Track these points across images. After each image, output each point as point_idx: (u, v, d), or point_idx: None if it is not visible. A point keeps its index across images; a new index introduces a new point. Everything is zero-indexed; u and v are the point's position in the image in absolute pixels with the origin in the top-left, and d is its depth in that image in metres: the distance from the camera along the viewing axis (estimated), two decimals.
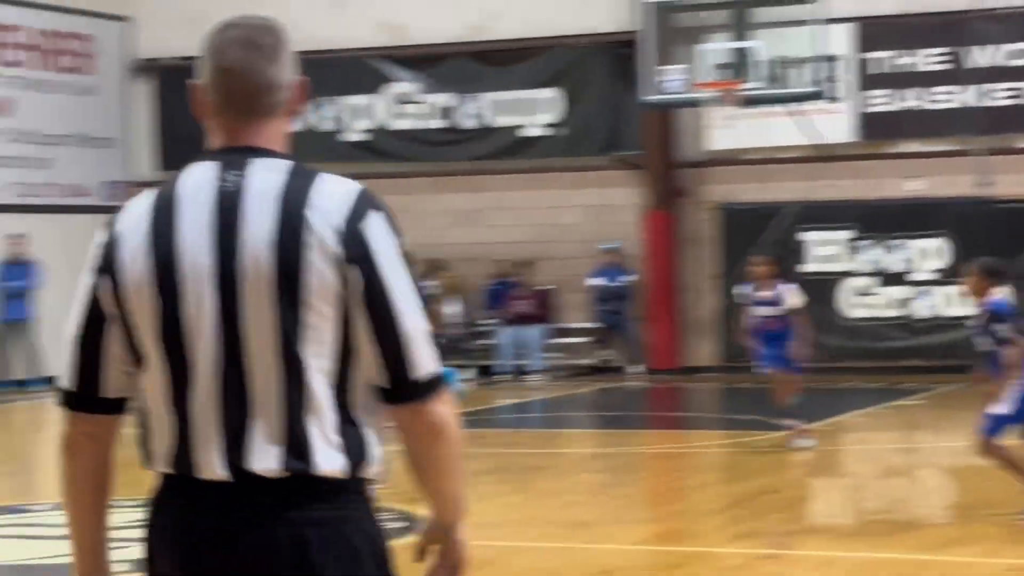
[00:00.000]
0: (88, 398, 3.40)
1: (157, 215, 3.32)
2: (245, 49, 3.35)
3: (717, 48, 22.17)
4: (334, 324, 3.26)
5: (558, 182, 24.99)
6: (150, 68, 26.33)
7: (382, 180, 25.42)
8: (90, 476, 3.45)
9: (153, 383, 3.34)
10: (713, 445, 16.78)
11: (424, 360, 3.30)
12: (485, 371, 24.63)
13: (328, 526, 3.28)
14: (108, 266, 3.34)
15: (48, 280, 22.86)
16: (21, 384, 23.08)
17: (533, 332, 24.57)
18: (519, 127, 25.09)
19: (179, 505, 3.33)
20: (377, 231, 3.28)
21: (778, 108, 22.79)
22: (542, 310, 24.73)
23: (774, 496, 13.09)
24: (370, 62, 25.49)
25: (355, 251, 3.25)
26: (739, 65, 21.84)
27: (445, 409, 3.35)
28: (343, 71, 25.36)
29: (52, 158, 24.89)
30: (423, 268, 25.02)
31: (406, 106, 25.49)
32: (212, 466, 3.27)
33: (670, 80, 22.39)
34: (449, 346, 24.57)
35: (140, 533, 3.40)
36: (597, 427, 20.21)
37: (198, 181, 3.32)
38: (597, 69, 24.66)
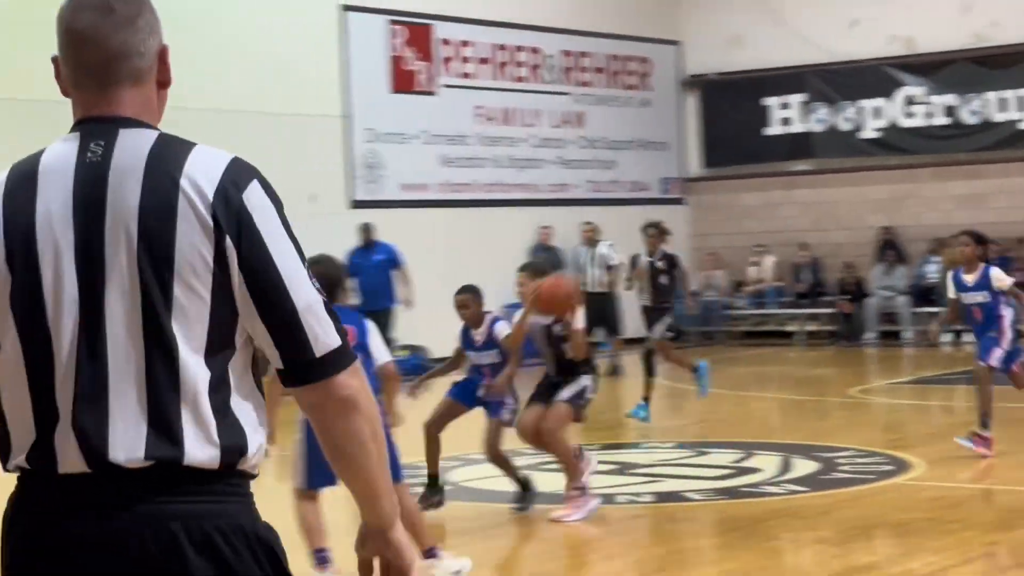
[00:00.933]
0: None
1: (13, 189, 2.65)
2: (97, 14, 2.65)
3: None
4: (209, 302, 2.57)
5: None
6: (696, 83, 26.80)
7: (894, 171, 25.23)
8: None
9: (9, 370, 2.64)
10: None
11: (322, 334, 2.59)
12: None
13: (200, 519, 2.56)
14: None
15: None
16: None
17: None
18: (1017, 121, 24.30)
19: (38, 505, 2.62)
20: (255, 199, 2.59)
21: None
22: None
23: None
24: (883, 70, 25.19)
25: (230, 221, 2.56)
26: None
27: (355, 382, 2.62)
28: (860, 79, 25.19)
29: (616, 160, 25.65)
30: (929, 246, 24.66)
31: (914, 106, 25.03)
32: (70, 457, 2.57)
33: None
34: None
35: None
36: None
37: (59, 154, 2.65)
38: None
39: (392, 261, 19.09)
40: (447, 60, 22.92)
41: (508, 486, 10.02)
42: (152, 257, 2.55)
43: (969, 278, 11.59)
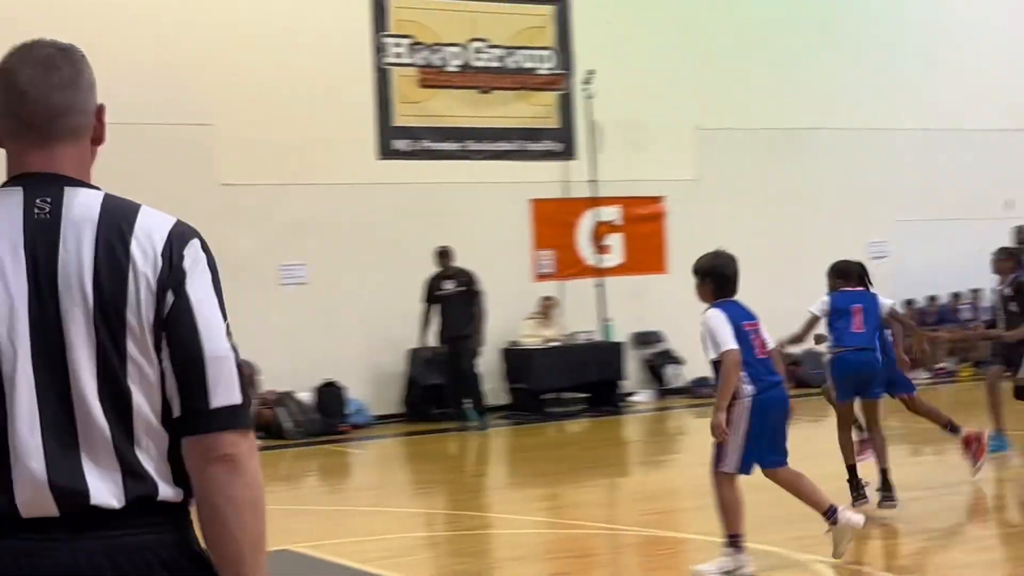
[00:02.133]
0: None
1: None
2: (41, 70, 2.55)
3: None
4: (157, 362, 2.46)
5: None
6: None
7: None
8: None
9: None
10: None
11: (223, 389, 2.43)
12: None
13: (168, 549, 2.46)
14: None
15: None
16: None
17: None
18: None
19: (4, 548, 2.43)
20: (192, 256, 2.49)
21: None
22: None
23: None
24: None
25: (170, 277, 2.46)
26: None
27: (245, 446, 2.45)
28: None
29: None
30: None
31: None
32: (39, 502, 2.42)
33: None
34: None
35: None
36: None
37: (2, 209, 2.50)
38: None
39: None
40: None
41: None
42: (105, 314, 2.45)
43: None
